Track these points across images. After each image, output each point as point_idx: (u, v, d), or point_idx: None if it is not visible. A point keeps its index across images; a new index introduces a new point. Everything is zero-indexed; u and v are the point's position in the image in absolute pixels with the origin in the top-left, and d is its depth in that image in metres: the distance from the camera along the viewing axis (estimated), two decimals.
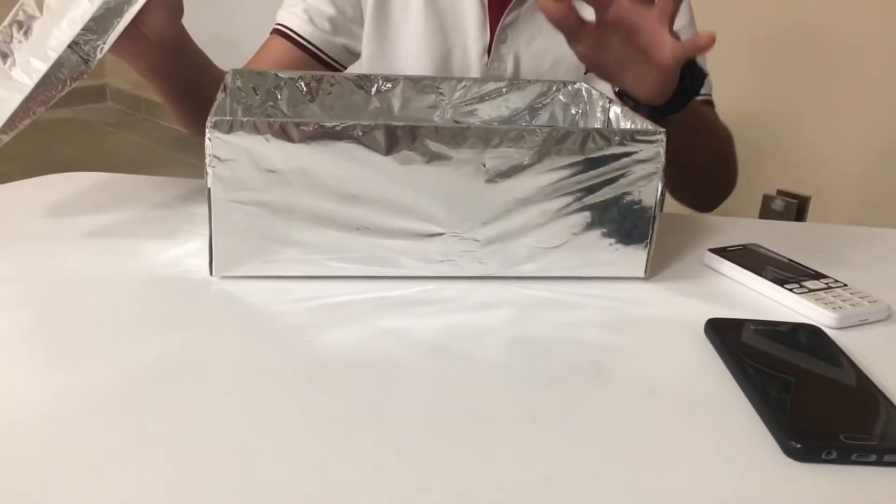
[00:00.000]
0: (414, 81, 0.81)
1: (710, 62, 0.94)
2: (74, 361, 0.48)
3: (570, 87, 0.81)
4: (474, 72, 0.96)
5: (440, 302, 0.59)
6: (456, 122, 0.81)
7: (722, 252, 0.68)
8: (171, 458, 0.40)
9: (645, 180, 0.61)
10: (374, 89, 0.80)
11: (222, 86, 0.70)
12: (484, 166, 0.58)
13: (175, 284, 0.59)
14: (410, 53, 0.97)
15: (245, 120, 0.56)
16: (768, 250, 0.70)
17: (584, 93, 0.80)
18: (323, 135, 0.56)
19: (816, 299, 0.60)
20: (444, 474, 0.40)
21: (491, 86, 0.81)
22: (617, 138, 0.59)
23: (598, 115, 0.75)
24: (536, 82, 0.82)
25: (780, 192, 1.83)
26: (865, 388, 0.49)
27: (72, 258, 0.62)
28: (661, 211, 0.63)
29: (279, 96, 0.79)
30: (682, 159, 0.69)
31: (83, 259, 0.62)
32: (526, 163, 0.59)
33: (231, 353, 0.51)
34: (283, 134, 0.56)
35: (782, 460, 0.43)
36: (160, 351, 0.50)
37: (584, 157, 0.59)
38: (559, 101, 0.82)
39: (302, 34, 0.97)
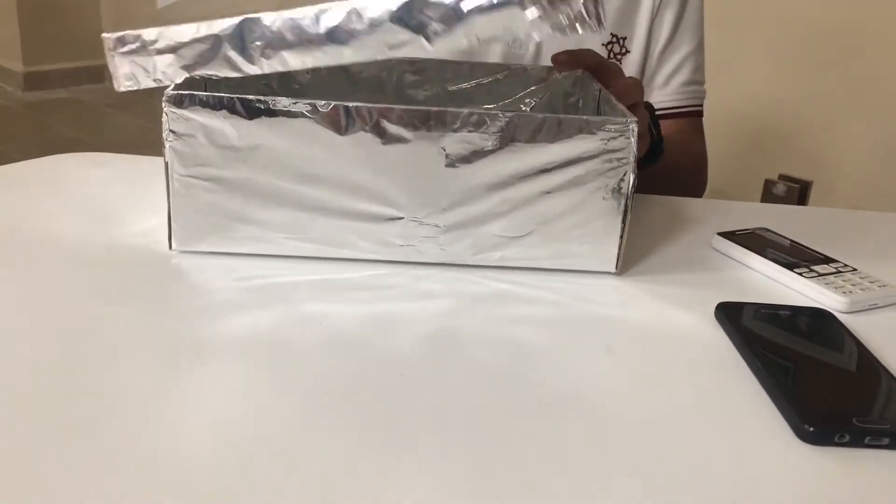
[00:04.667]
0: (411, 63, 0.78)
1: (717, 51, 0.93)
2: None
3: (569, 74, 0.78)
4: (495, 55, 0.95)
5: (382, 288, 0.57)
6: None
7: (731, 236, 0.68)
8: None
9: (614, 172, 0.57)
10: (362, 71, 0.76)
11: None
12: (444, 150, 0.57)
13: (137, 256, 0.59)
14: None
15: (200, 95, 0.55)
16: (777, 234, 0.70)
17: (582, 80, 0.77)
18: (278, 112, 0.55)
19: (827, 283, 0.60)
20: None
21: (488, 70, 0.79)
22: (582, 127, 0.56)
23: (591, 102, 0.74)
24: (535, 68, 0.80)
25: (782, 177, 1.83)
26: (877, 372, 0.49)
27: (58, 233, 0.62)
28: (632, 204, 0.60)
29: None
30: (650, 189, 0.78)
31: (66, 230, 0.62)
32: (488, 148, 0.56)
33: (149, 327, 0.50)
34: (238, 110, 0.55)
35: (795, 444, 0.43)
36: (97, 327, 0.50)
37: (548, 145, 0.57)
38: (560, 88, 0.79)
39: None
